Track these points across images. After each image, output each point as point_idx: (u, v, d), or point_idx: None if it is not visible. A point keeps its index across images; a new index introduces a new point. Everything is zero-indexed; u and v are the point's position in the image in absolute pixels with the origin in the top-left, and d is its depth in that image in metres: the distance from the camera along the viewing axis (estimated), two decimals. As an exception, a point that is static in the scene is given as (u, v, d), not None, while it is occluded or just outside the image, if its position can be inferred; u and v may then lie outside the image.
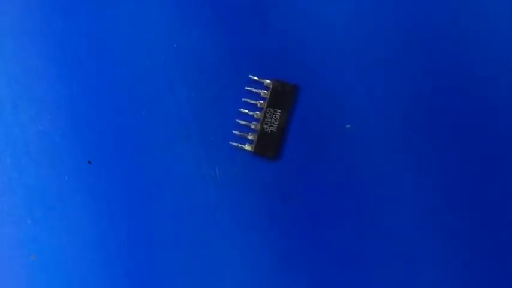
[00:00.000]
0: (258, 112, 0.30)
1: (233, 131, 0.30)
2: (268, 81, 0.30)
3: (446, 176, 0.29)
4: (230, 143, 0.30)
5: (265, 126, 0.30)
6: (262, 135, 0.30)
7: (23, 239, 0.30)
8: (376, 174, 0.30)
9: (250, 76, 0.30)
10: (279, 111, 0.30)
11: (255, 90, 0.30)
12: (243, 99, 0.30)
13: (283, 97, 0.30)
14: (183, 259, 0.30)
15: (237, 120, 0.30)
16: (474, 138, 0.29)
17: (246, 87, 0.30)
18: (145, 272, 0.30)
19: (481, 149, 0.29)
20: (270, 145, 0.30)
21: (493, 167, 0.29)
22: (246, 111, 0.30)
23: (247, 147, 0.30)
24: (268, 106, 0.30)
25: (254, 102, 0.30)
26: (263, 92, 0.30)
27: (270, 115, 0.30)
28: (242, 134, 0.30)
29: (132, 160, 0.30)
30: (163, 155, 0.30)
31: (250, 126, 0.30)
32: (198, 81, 0.31)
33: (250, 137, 0.30)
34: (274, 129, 0.30)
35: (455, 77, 0.30)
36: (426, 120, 0.30)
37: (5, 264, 0.30)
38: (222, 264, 0.30)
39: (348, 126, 0.30)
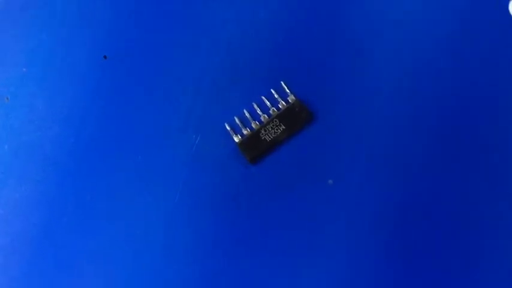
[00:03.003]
0: (266, 116, 0.30)
1: (234, 117, 0.30)
2: (293, 97, 0.30)
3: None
4: (225, 124, 0.30)
5: (262, 131, 0.30)
6: (254, 136, 0.30)
7: (8, 81, 0.31)
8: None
9: (282, 82, 0.30)
10: (283, 127, 0.30)
11: (276, 96, 0.30)
12: (262, 97, 0.30)
13: (295, 119, 0.30)
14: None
15: (244, 110, 0.30)
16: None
17: (271, 89, 0.30)
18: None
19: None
20: (254, 149, 0.30)
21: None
22: (257, 109, 0.30)
23: (235, 137, 0.30)
24: (276, 117, 0.30)
25: (269, 106, 0.30)
26: (282, 103, 0.30)
27: (273, 125, 0.30)
28: (240, 124, 0.30)
29: (139, 71, 0.31)
30: (165, 94, 0.31)
31: (251, 123, 0.30)
32: (238, 56, 0.31)
33: (245, 131, 0.30)
34: (268, 139, 0.30)
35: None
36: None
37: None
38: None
39: (330, 181, 0.29)
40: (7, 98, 0.31)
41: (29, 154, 0.31)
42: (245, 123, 0.30)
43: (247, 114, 0.30)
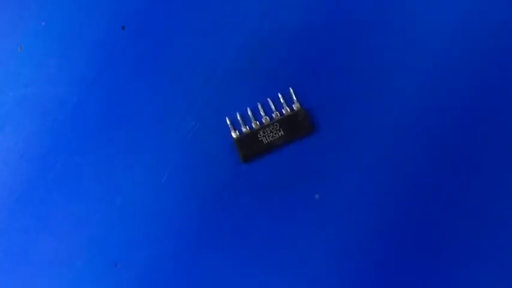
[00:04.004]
0: (267, 118, 0.30)
1: (237, 112, 0.30)
2: (298, 105, 0.30)
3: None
4: (226, 118, 0.30)
5: (260, 133, 0.30)
6: (251, 136, 0.30)
7: (25, 31, 0.31)
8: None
9: (290, 89, 0.30)
10: (282, 133, 0.30)
11: (282, 101, 0.30)
12: (268, 98, 0.30)
13: (296, 127, 0.30)
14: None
15: (248, 107, 0.30)
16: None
17: (278, 93, 0.30)
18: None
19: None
20: (248, 148, 0.29)
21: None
22: (261, 110, 0.30)
23: (233, 133, 0.30)
24: (278, 121, 0.30)
25: (273, 109, 0.30)
26: (286, 109, 0.30)
27: (272, 129, 0.30)
28: (241, 121, 0.30)
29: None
30: (173, 76, 0.31)
31: (251, 122, 0.30)
32: (254, 53, 0.31)
33: (244, 129, 0.30)
34: (265, 141, 0.30)
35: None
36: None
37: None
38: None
39: (317, 196, 0.29)
40: (20, 47, 0.31)
41: (31, 106, 0.31)
42: (246, 120, 0.30)
43: (249, 113, 0.30)
